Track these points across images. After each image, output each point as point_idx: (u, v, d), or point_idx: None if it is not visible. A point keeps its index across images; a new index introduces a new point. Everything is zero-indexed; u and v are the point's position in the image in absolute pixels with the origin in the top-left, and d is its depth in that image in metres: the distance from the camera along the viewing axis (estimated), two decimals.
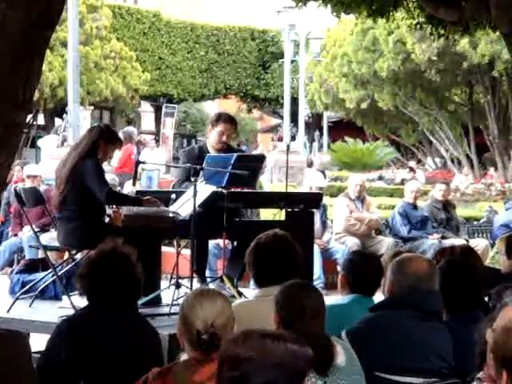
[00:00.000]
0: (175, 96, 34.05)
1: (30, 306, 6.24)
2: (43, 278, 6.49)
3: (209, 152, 6.77)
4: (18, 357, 3.51)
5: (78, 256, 6.42)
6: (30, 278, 6.65)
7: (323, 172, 21.14)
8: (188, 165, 6.32)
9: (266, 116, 44.09)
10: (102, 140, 6.24)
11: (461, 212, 12.68)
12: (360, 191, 10.62)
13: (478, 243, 10.69)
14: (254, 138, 43.75)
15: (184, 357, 3.21)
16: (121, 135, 16.95)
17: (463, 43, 20.91)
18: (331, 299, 4.75)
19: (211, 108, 40.28)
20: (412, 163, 26.31)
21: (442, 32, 8.00)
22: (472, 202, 17.16)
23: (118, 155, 16.95)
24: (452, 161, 27.16)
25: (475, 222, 12.47)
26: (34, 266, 6.93)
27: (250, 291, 6.25)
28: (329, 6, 7.78)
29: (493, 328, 2.90)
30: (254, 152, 22.54)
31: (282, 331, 2.34)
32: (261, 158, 7.66)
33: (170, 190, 7.06)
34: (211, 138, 6.87)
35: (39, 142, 20.69)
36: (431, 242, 10.52)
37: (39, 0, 4.36)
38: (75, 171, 6.10)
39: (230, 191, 6.38)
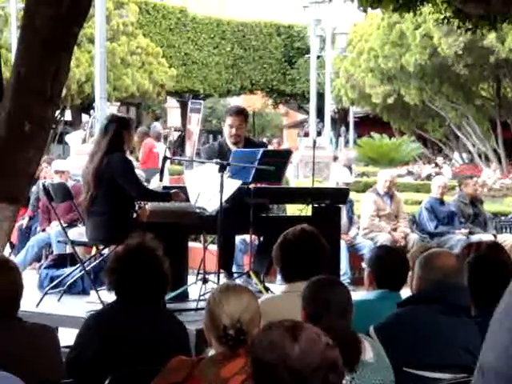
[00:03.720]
0: (201, 92, 34.10)
1: (58, 301, 6.29)
2: (71, 273, 6.54)
3: (228, 147, 6.80)
4: (46, 351, 3.54)
5: (106, 251, 6.45)
6: (58, 273, 6.70)
7: (349, 167, 21.09)
8: (215, 160, 6.34)
9: (291, 111, 44.03)
10: (125, 131, 6.26)
11: (488, 207, 12.60)
12: (389, 187, 10.56)
13: (506, 238, 10.63)
14: (280, 134, 43.71)
15: (211, 352, 3.22)
16: (136, 135, 17.05)
17: (490, 37, 20.74)
18: (358, 295, 4.74)
19: (237, 104, 40.28)
20: (440, 159, 26.16)
21: (469, 26, 7.94)
22: (500, 198, 17.04)
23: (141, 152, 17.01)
24: (479, 156, 26.97)
25: (503, 218, 12.39)
26: (62, 261, 6.98)
27: (277, 287, 6.26)
28: (355, 0, 7.75)
29: None
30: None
31: (314, 335, 2.30)
32: (287, 154, 7.66)
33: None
34: (224, 132, 6.98)
35: (67, 138, 20.82)
36: (458, 238, 10.46)
37: None
38: (102, 169, 6.12)
39: (257, 187, 6.38)
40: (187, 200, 6.24)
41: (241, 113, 6.97)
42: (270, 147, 11.11)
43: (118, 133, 6.23)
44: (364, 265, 4.57)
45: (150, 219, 6.05)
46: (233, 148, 6.76)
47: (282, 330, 2.24)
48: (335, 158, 21.99)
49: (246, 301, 3.14)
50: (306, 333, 2.23)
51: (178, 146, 29.69)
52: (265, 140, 19.21)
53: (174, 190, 6.35)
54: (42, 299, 6.20)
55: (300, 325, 2.29)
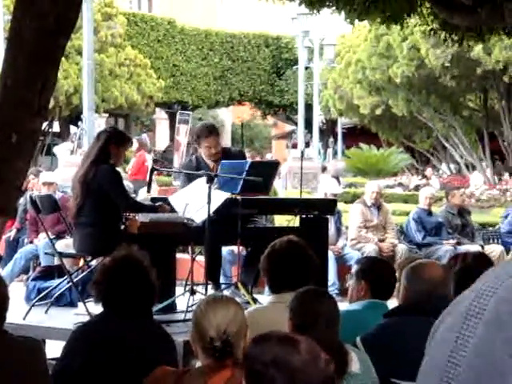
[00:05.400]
0: (190, 103, 34.12)
1: (45, 313, 6.27)
2: (59, 284, 6.52)
3: (205, 162, 6.82)
4: (33, 363, 3.53)
5: (94, 263, 6.45)
6: (45, 284, 6.68)
7: (337, 178, 21.13)
8: (203, 171, 6.35)
9: (280, 122, 44.11)
10: (113, 144, 6.28)
11: (476, 218, 12.63)
12: (376, 198, 10.58)
13: (494, 249, 10.67)
14: (269, 145, 43.75)
15: (198, 364, 3.21)
16: (135, 142, 17.01)
17: (477, 49, 20.85)
18: (346, 305, 4.75)
19: (225, 115, 40.32)
20: (429, 170, 26.24)
21: (456, 38, 7.98)
22: (487, 208, 17.09)
23: (131, 162, 17.04)
24: (467, 167, 27.06)
25: (490, 228, 12.43)
26: (49, 272, 6.96)
27: (265, 297, 6.26)
28: (342, 12, 7.78)
29: None
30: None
31: (302, 346, 2.27)
32: (275, 165, 7.68)
33: None
34: (203, 153, 6.91)
35: (55, 150, 20.80)
36: (446, 248, 10.49)
37: (54, 8, 4.39)
38: (89, 179, 6.14)
39: (244, 198, 6.39)
40: (173, 211, 6.25)
41: (215, 131, 6.95)
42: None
43: (105, 145, 6.25)
44: (349, 276, 4.56)
45: (140, 231, 6.05)
46: (210, 163, 6.78)
47: (281, 342, 2.22)
48: (324, 169, 22.03)
49: (232, 312, 3.14)
50: (304, 345, 2.22)
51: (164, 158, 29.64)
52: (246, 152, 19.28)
53: (159, 203, 6.38)
54: (29, 311, 6.18)
55: (295, 337, 2.28)
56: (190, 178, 6.50)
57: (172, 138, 31.06)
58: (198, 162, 6.87)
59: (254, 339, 2.30)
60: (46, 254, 8.56)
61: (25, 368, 3.46)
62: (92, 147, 6.47)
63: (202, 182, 6.15)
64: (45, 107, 4.58)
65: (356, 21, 8.17)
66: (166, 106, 34.86)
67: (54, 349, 5.06)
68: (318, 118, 29.34)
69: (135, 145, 16.14)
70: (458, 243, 10.69)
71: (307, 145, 27.35)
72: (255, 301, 6.22)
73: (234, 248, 8.18)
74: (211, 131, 6.93)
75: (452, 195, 11.33)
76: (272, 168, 7.10)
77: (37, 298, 6.43)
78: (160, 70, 31.56)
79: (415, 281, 4.00)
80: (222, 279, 7.43)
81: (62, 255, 6.57)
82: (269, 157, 28.40)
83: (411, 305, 3.99)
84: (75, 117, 23.64)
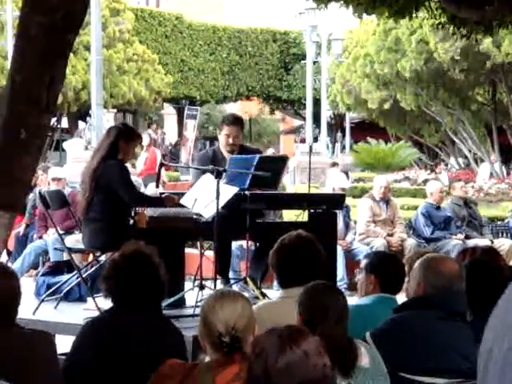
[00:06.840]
0: (197, 98, 34.14)
1: (55, 308, 6.29)
2: (68, 280, 6.54)
3: (222, 155, 6.80)
4: (44, 357, 3.54)
5: (103, 258, 6.46)
6: (55, 280, 6.69)
7: (346, 173, 21.11)
8: (211, 166, 6.34)
9: (288, 117, 44.08)
10: (123, 140, 6.27)
11: (485, 212, 12.61)
12: (385, 193, 10.56)
13: (503, 243, 10.65)
14: (277, 140, 43.73)
15: (206, 358, 3.21)
16: (147, 137, 16.95)
17: (486, 42, 20.78)
18: (355, 300, 4.75)
19: (233, 110, 40.31)
20: (442, 166, 26.08)
21: (464, 32, 7.95)
22: (496, 202, 17.06)
23: (143, 157, 17.03)
24: (475, 161, 27.00)
25: (499, 222, 12.40)
26: (58, 268, 6.98)
27: (274, 292, 6.26)
28: (350, 6, 7.76)
29: None
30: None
31: (306, 343, 2.28)
32: (283, 160, 7.66)
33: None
34: (220, 141, 6.95)
35: (64, 145, 20.84)
36: (455, 243, 10.47)
37: (62, 4, 4.40)
38: (98, 174, 6.14)
39: (253, 192, 6.38)
40: (181, 205, 6.25)
41: (238, 122, 6.96)
42: None
43: (115, 140, 6.25)
44: (358, 271, 4.55)
45: (149, 225, 6.05)
46: (227, 156, 6.75)
47: (276, 339, 2.23)
48: (334, 164, 22.00)
49: (240, 307, 3.13)
50: (298, 347, 2.22)
51: (173, 153, 29.65)
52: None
53: (165, 194, 6.38)
54: (38, 306, 6.20)
55: (296, 336, 2.27)
56: (203, 172, 6.49)
57: (180, 134, 31.09)
58: (215, 155, 6.84)
59: (266, 330, 2.33)
60: (55, 249, 8.58)
61: (36, 361, 3.47)
62: (102, 142, 6.46)
63: (210, 176, 6.15)
64: (53, 103, 4.59)
65: (364, 15, 8.15)
66: (174, 102, 34.89)
67: (63, 344, 5.07)
68: (326, 113, 29.33)
69: (146, 140, 16.11)
70: (467, 237, 10.67)
71: (315, 139, 27.34)
72: (264, 296, 6.21)
73: (243, 243, 8.18)
74: (236, 121, 6.93)
75: (453, 188, 11.44)
76: (280, 163, 7.08)
77: (46, 294, 6.44)
78: (168, 65, 31.59)
79: (433, 275, 3.96)
80: (230, 274, 7.43)
81: (71, 250, 6.58)
82: (270, 152, 28.33)
83: (426, 299, 3.95)
84: (84, 112, 23.69)
